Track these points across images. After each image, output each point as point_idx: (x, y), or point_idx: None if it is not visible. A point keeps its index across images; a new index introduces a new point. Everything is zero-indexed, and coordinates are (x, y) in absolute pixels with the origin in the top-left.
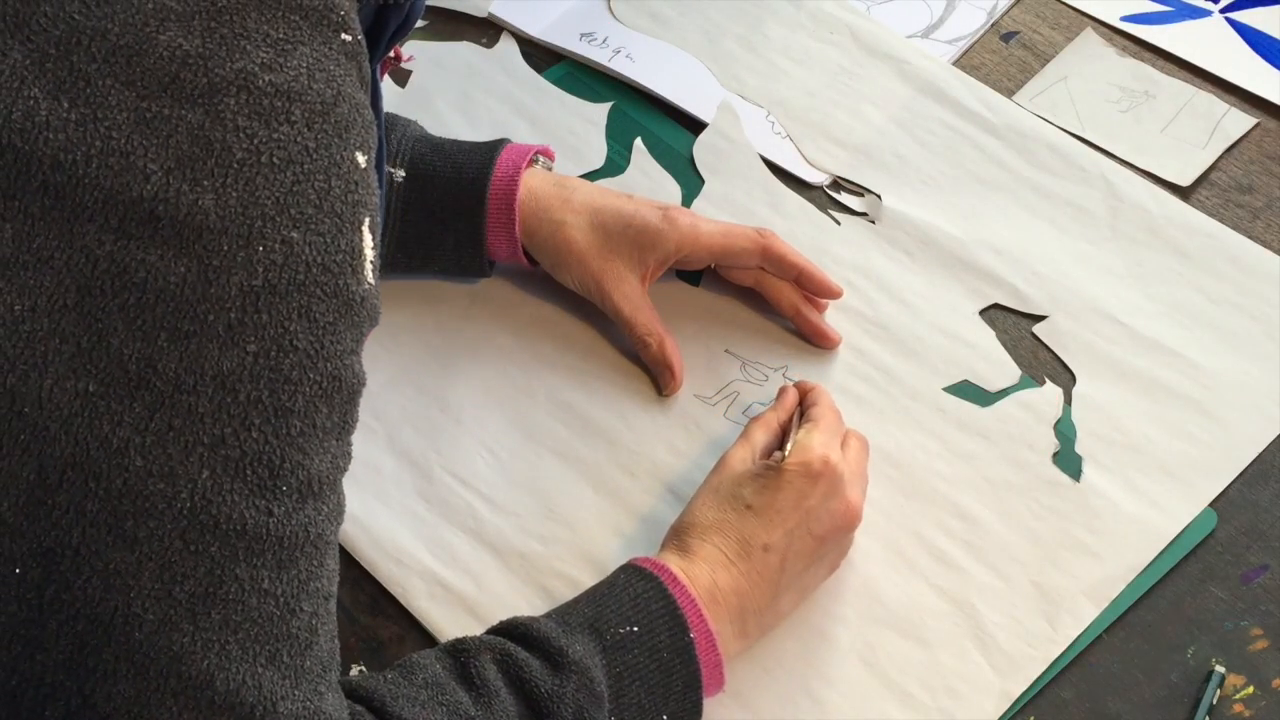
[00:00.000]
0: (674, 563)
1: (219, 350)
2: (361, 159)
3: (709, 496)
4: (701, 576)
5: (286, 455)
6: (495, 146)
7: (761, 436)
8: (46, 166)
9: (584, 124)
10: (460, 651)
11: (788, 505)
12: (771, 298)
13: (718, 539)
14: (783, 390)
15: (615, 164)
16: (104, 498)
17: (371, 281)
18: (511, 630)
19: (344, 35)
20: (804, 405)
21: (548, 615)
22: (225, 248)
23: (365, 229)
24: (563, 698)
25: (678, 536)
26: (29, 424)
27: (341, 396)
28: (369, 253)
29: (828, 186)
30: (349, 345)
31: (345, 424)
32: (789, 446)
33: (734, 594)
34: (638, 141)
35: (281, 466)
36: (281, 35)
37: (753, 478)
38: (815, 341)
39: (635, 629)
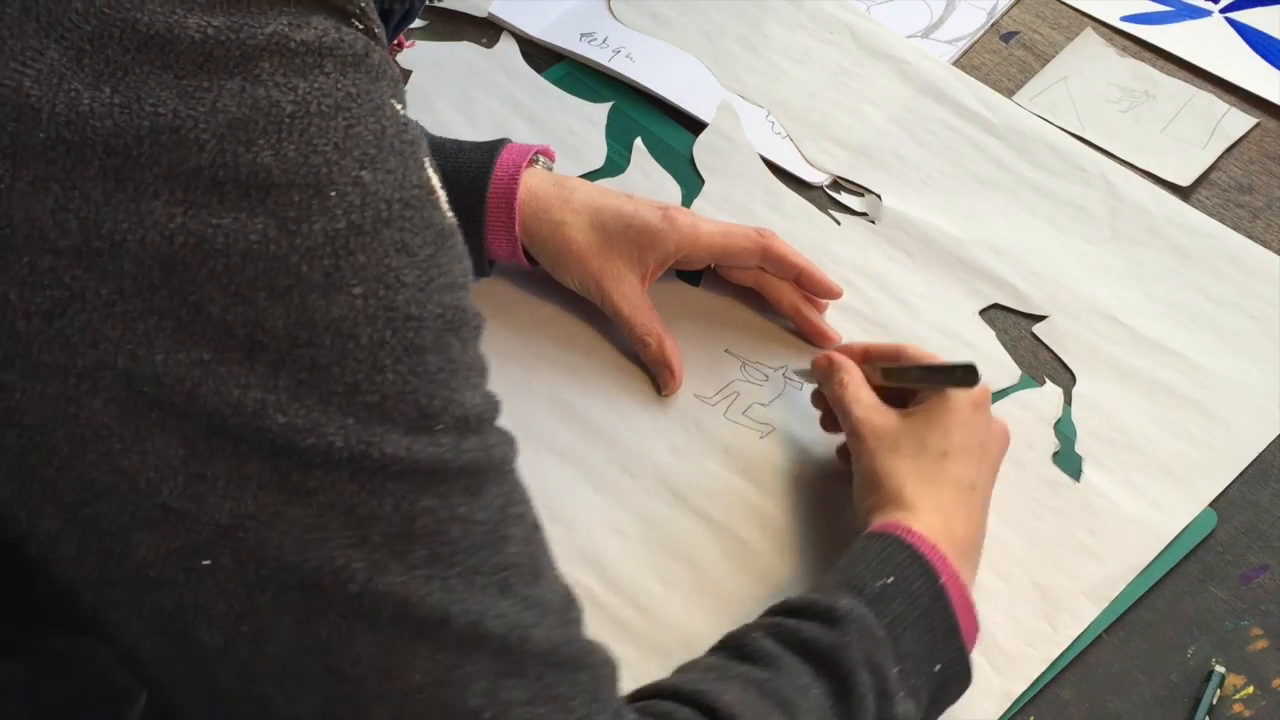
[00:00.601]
0: (907, 520)
1: (324, 299)
2: (399, 106)
3: (888, 459)
4: (935, 525)
5: (433, 393)
6: (495, 146)
7: (867, 393)
8: (100, 152)
9: (584, 124)
10: (729, 640)
11: (973, 441)
12: (771, 297)
13: (927, 492)
14: (828, 359)
15: (615, 164)
16: (259, 458)
17: (452, 217)
18: (773, 610)
19: (356, 24)
20: (885, 355)
21: (805, 592)
22: (296, 198)
23: (429, 168)
24: (847, 645)
25: (892, 503)
26: (153, 401)
27: (469, 330)
28: (439, 189)
29: (828, 186)
30: (458, 277)
31: (481, 363)
32: (961, 377)
33: (964, 539)
34: (638, 141)
35: (430, 405)
36: (298, 11)
37: (933, 423)
38: (815, 341)
39: (891, 580)
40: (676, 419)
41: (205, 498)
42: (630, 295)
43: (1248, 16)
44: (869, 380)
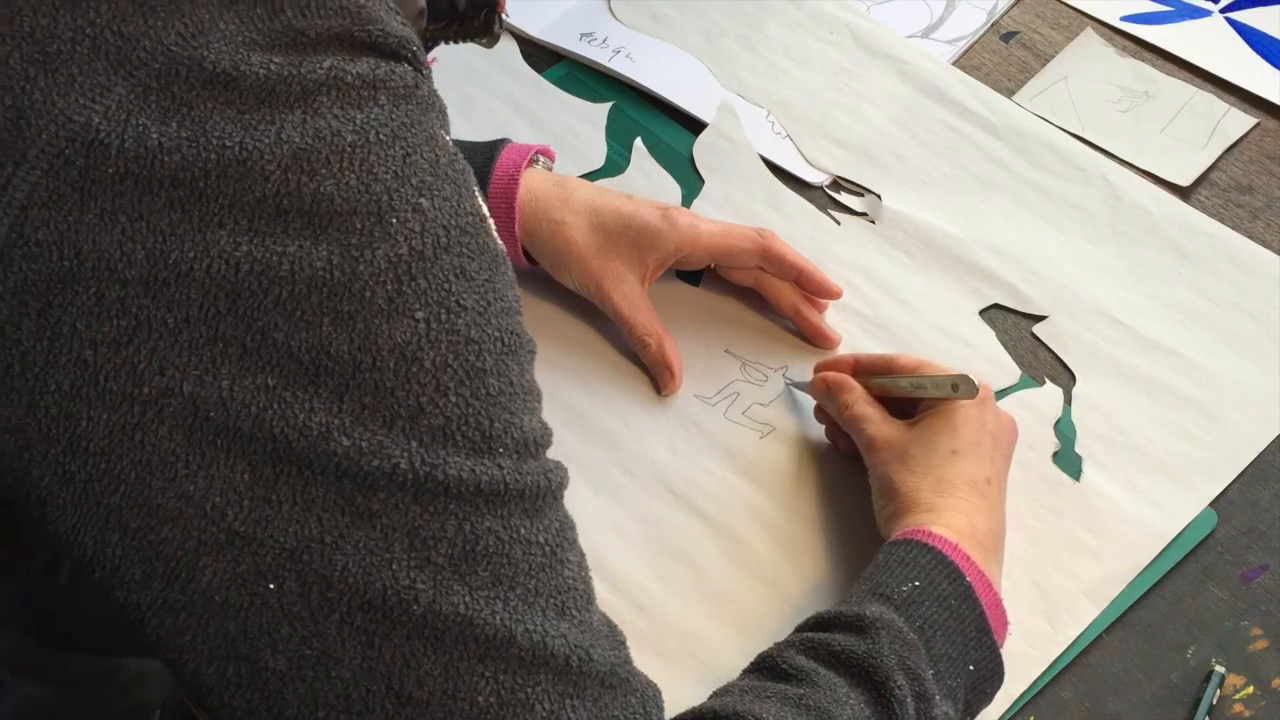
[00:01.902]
0: (928, 524)
1: (387, 323)
2: (446, 137)
3: (904, 471)
4: (959, 525)
5: (494, 416)
6: (495, 146)
7: (874, 409)
8: (168, 185)
9: (584, 124)
10: (762, 661)
11: (983, 436)
12: (771, 298)
13: (949, 491)
14: (831, 379)
15: (615, 164)
16: (324, 482)
17: (501, 244)
18: (802, 627)
19: (409, 65)
20: (876, 367)
21: (833, 605)
22: (359, 225)
23: (478, 195)
24: (880, 652)
25: (910, 510)
26: (219, 427)
27: (524, 354)
28: (489, 218)
29: (828, 186)
30: (511, 303)
31: (536, 388)
32: (963, 385)
33: (988, 534)
34: (638, 141)
35: (492, 427)
36: (349, 52)
37: (941, 429)
38: (815, 341)
39: (916, 584)
40: (676, 419)
41: (271, 521)
42: (630, 295)
43: (1248, 16)
44: (868, 392)
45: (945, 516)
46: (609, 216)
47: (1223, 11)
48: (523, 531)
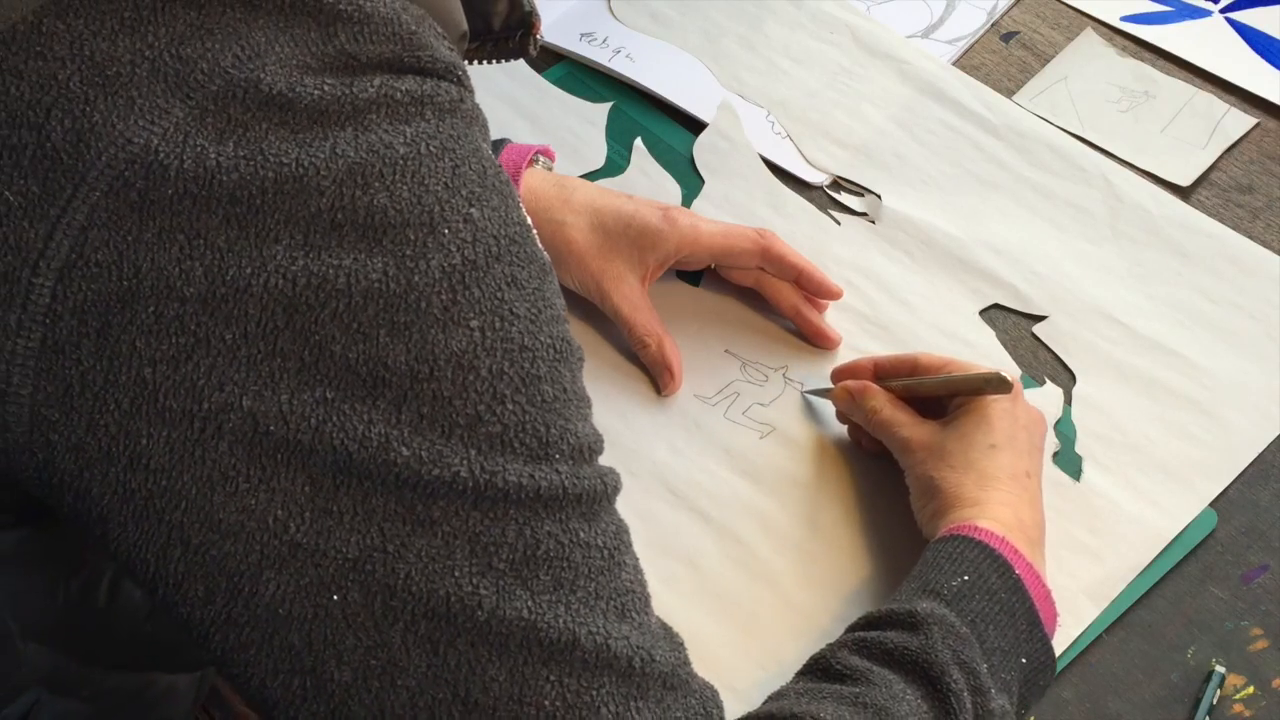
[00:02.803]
0: (972, 518)
1: (443, 333)
2: (490, 152)
3: (944, 470)
4: (1005, 518)
5: (550, 422)
6: (495, 147)
7: (903, 412)
8: (225, 203)
9: (584, 124)
10: (816, 663)
11: (1018, 429)
12: (771, 298)
13: (991, 485)
14: (857, 387)
15: (615, 164)
16: (385, 492)
17: (545, 254)
18: (854, 626)
19: (454, 86)
20: (897, 369)
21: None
22: (412, 237)
23: (521, 206)
24: (933, 647)
25: (954, 506)
26: (279, 441)
27: (574, 360)
28: (534, 228)
29: (828, 186)
30: (560, 310)
31: (586, 394)
32: (993, 380)
33: (1033, 526)
34: (638, 141)
35: (549, 434)
36: (395, 74)
37: (976, 427)
38: (815, 342)
39: (966, 578)
40: (676, 419)
41: (332, 533)
42: (630, 295)
43: (1248, 16)
44: (892, 394)
45: (990, 509)
46: (609, 216)
47: (1223, 11)
48: (582, 535)
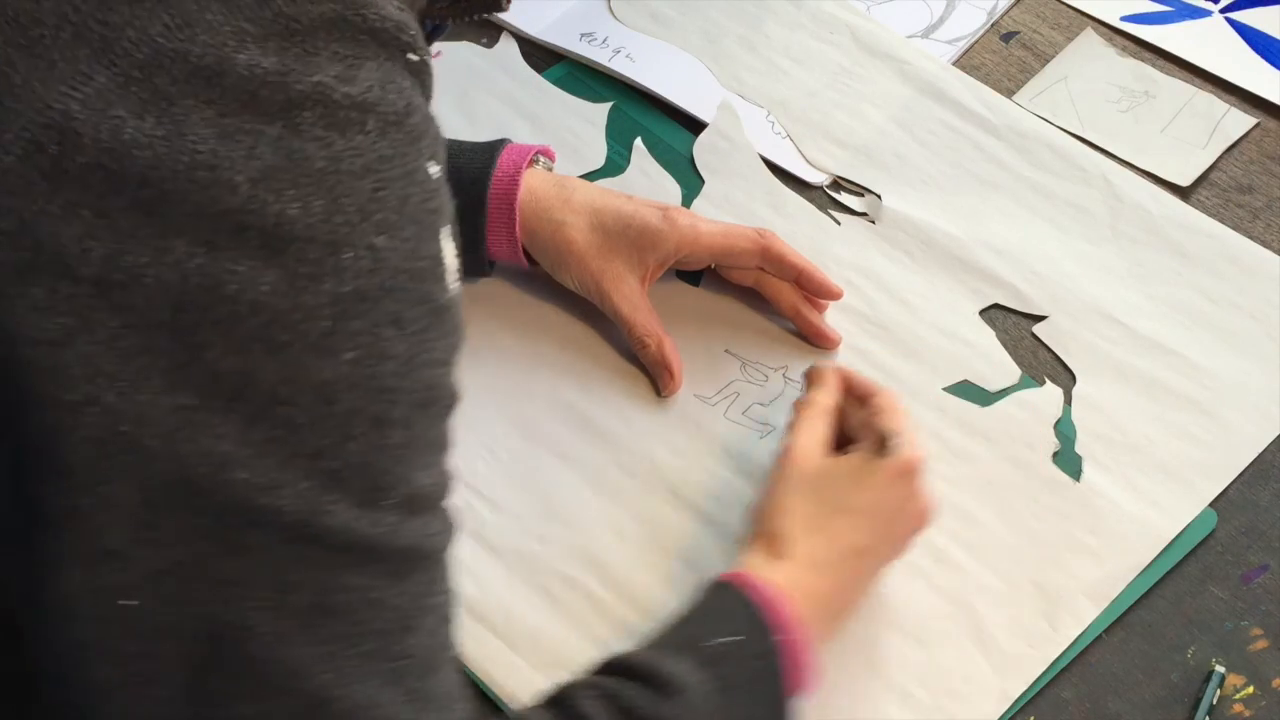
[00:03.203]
0: (761, 569)
1: (316, 360)
2: (434, 169)
3: (792, 494)
4: (792, 579)
5: (389, 468)
6: (495, 147)
7: (823, 425)
8: (135, 183)
9: (584, 124)
10: (560, 699)
11: (880, 506)
12: (771, 298)
13: (809, 541)
14: (817, 373)
15: (615, 164)
16: (210, 513)
17: (455, 291)
18: (608, 668)
19: (410, 55)
20: (857, 392)
21: (640, 647)
22: (312, 255)
23: (445, 237)
24: (677, 719)
25: (766, 540)
26: (128, 444)
27: (438, 409)
28: (450, 261)
29: (828, 186)
30: (441, 355)
31: (444, 441)
32: (891, 442)
33: (824, 596)
34: (638, 141)
35: (384, 479)
36: (351, 53)
37: (849, 476)
38: (815, 342)
39: (728, 640)
40: (676, 419)
41: (146, 544)
42: (630, 296)
43: (1248, 16)
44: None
45: (788, 565)
46: (609, 216)
47: (1223, 11)
48: (378, 594)
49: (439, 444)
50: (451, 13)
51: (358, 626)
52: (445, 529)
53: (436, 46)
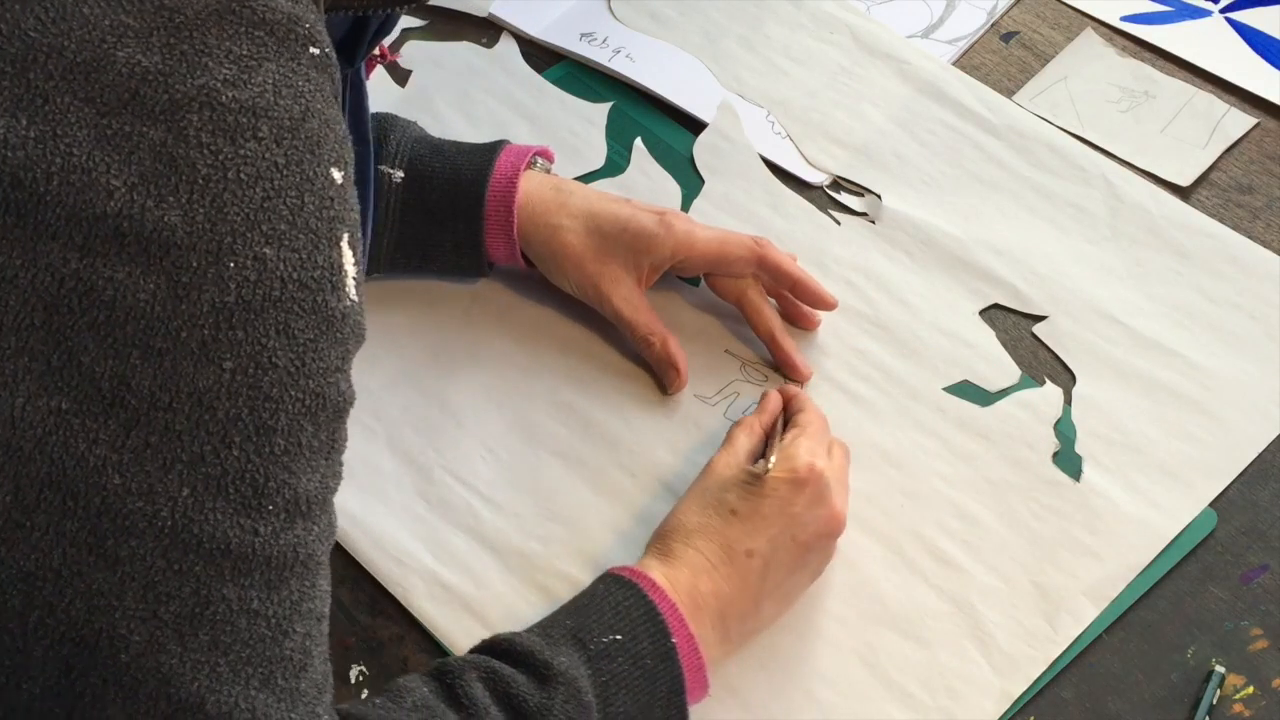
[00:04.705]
0: (654, 569)
1: (194, 367)
2: (337, 175)
3: (694, 502)
4: (682, 581)
5: (271, 474)
6: (494, 148)
7: (745, 441)
8: (6, 184)
9: (584, 124)
10: (445, 673)
11: (773, 512)
12: (751, 319)
13: (701, 543)
14: (766, 395)
15: (615, 164)
16: (83, 517)
17: (355, 298)
18: (495, 648)
19: (312, 49)
20: (789, 410)
21: (530, 630)
22: (194, 264)
23: (345, 244)
24: (551, 710)
25: (661, 540)
26: (3, 444)
27: (327, 414)
28: (350, 268)
29: (828, 186)
30: (333, 362)
31: (333, 443)
32: (773, 454)
33: (715, 598)
34: (638, 141)
35: (266, 485)
36: (245, 51)
37: (738, 484)
38: (786, 372)
39: (618, 637)
40: (676, 419)
41: (17, 545)
42: (629, 297)
43: (1248, 16)
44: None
45: (676, 570)
46: (606, 220)
47: (1223, 11)
48: (254, 603)
49: (326, 447)
50: (368, 4)
51: (233, 635)
52: (325, 531)
53: (410, 52)
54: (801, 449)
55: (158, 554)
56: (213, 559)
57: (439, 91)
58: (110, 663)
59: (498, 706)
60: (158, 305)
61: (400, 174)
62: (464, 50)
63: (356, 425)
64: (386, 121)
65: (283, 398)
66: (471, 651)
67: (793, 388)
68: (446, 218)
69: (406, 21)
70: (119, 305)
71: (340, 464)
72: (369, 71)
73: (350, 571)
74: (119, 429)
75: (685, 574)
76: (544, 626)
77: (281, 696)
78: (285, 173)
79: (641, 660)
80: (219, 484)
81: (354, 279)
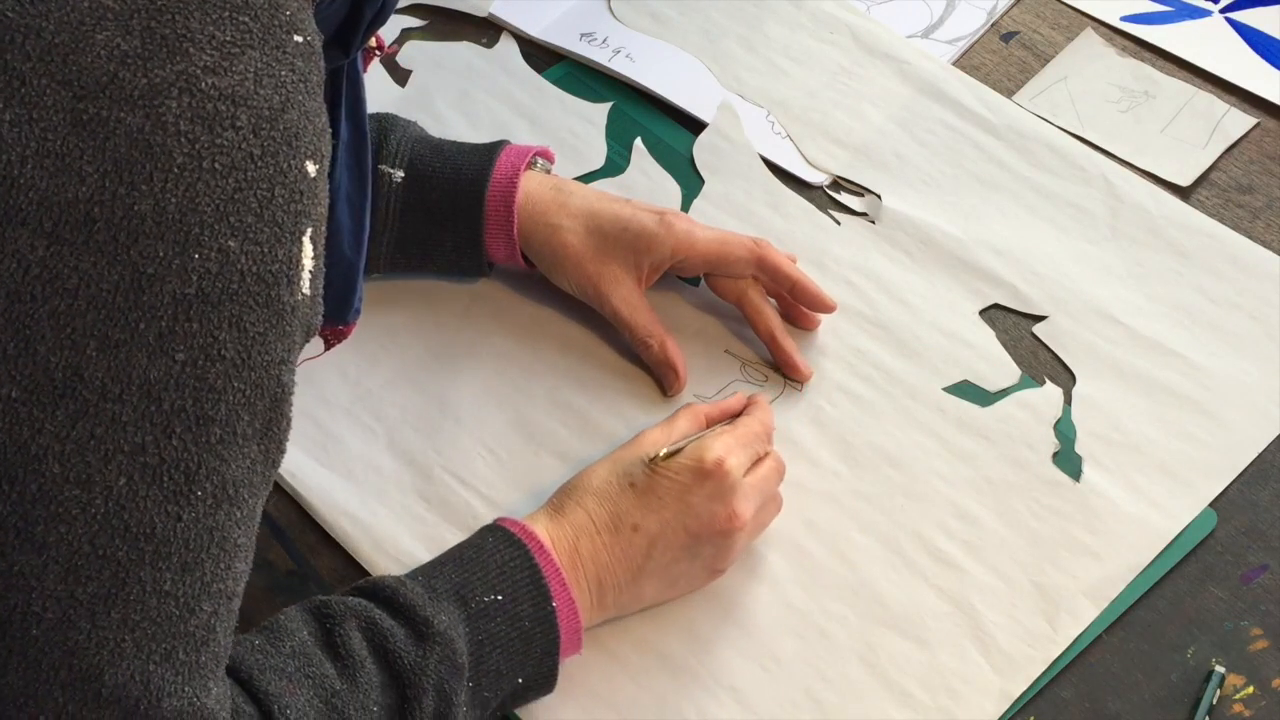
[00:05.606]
0: (541, 524)
1: (147, 359)
2: (311, 168)
3: (604, 466)
4: (564, 540)
5: (203, 461)
6: (494, 149)
7: (685, 424)
8: None
9: (584, 124)
10: (326, 616)
11: (669, 495)
12: (751, 319)
13: (593, 506)
14: (737, 394)
15: (615, 164)
16: (15, 502)
17: (307, 292)
18: (378, 593)
19: (296, 37)
20: (744, 412)
21: (414, 576)
22: (161, 254)
23: (306, 239)
24: (425, 670)
25: (560, 494)
26: None
27: (265, 404)
28: (308, 263)
29: (828, 186)
30: (278, 355)
31: (269, 429)
32: (685, 442)
33: (593, 563)
34: (638, 141)
35: (197, 473)
36: (228, 38)
37: (647, 460)
38: (786, 372)
39: (499, 597)
40: None
41: None
42: (628, 298)
43: (1248, 16)
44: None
45: (560, 528)
46: (606, 220)
47: (1223, 11)
48: (167, 585)
49: (259, 434)
50: None
51: (142, 613)
52: (249, 514)
53: (406, 49)
54: (718, 444)
55: (85, 540)
56: (135, 544)
57: (439, 91)
58: (20, 636)
59: (373, 659)
60: (119, 296)
61: (400, 174)
62: (464, 50)
63: (357, 425)
64: (386, 121)
65: (225, 389)
66: (355, 590)
67: (759, 397)
68: (447, 217)
69: (406, 21)
70: (81, 295)
71: (280, 445)
72: (366, 64)
73: (350, 571)
74: (65, 420)
75: (568, 532)
76: (428, 576)
77: (179, 670)
78: (259, 164)
79: (520, 622)
80: (155, 473)
81: (310, 273)
